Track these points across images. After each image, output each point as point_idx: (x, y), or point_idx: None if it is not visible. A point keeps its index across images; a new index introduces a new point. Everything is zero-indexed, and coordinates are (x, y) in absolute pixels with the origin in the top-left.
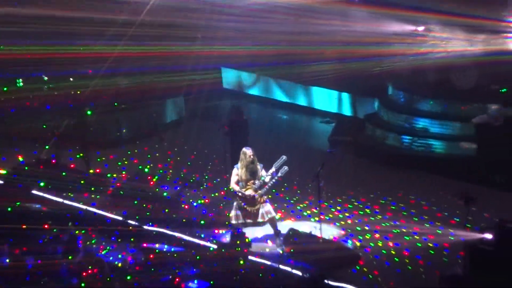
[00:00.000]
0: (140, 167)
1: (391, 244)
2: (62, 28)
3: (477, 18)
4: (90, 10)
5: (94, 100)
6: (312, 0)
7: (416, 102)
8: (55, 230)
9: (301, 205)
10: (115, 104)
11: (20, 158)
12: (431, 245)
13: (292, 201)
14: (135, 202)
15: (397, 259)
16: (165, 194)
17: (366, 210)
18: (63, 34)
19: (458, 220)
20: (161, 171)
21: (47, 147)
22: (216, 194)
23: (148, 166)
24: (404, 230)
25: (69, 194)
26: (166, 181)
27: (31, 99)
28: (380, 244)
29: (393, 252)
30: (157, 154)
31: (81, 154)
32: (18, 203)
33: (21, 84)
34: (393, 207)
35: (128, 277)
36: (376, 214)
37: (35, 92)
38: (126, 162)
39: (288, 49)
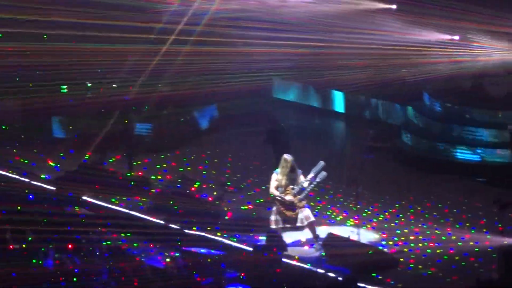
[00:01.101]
0: (181, 169)
1: (427, 248)
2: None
3: None
4: (131, 16)
5: (137, 106)
6: (348, 10)
7: (451, 109)
8: (99, 233)
9: (339, 210)
10: (157, 109)
11: (69, 164)
12: (466, 249)
13: (330, 206)
14: (176, 206)
15: (432, 263)
16: (206, 199)
17: (402, 214)
18: (105, 39)
19: (493, 225)
20: (204, 172)
21: (88, 154)
22: (261, 200)
23: (189, 169)
24: (440, 235)
25: (113, 198)
26: (207, 186)
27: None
28: (416, 248)
29: (429, 257)
30: (200, 159)
31: (126, 160)
32: (67, 208)
33: (65, 90)
34: (429, 212)
35: (170, 281)
36: (412, 219)
37: (79, 98)
38: (168, 167)
39: (325, 57)
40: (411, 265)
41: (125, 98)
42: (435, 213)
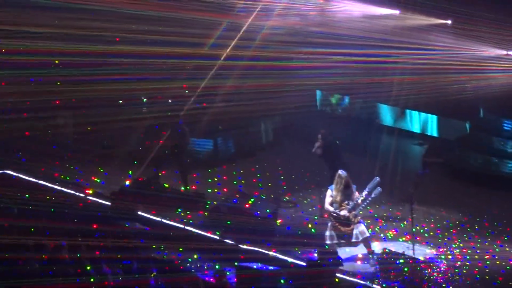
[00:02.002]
0: (234, 182)
1: (483, 263)
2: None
3: None
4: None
5: (191, 121)
6: (403, 25)
7: (507, 125)
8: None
9: (394, 225)
10: (213, 125)
11: (124, 179)
12: None
13: (385, 221)
14: (229, 222)
15: (488, 277)
16: (260, 214)
17: (458, 230)
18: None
19: None
20: (259, 185)
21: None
22: (315, 217)
23: (243, 182)
24: (497, 251)
25: (167, 213)
26: (262, 201)
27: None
28: (472, 263)
29: (486, 271)
30: (253, 174)
31: (179, 176)
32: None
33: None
34: (486, 228)
35: None
36: (468, 234)
37: (134, 114)
38: (222, 181)
39: (380, 74)
40: (468, 281)
41: (180, 122)
42: (491, 228)
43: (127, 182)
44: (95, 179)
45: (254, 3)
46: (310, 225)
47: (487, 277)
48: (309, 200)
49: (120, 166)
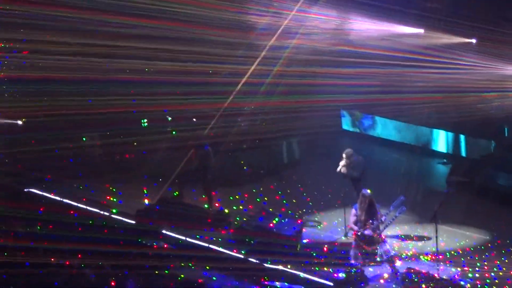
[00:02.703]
0: (257, 199)
1: (509, 282)
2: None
3: None
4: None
5: (215, 140)
6: (428, 44)
7: None
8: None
9: (419, 244)
10: (236, 144)
11: (148, 198)
12: None
13: (409, 240)
14: (252, 241)
15: None
16: (284, 232)
17: (483, 251)
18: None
19: None
20: (284, 201)
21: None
22: (342, 238)
23: (265, 198)
24: None
25: (192, 232)
26: (287, 220)
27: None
28: (496, 284)
29: None
30: (276, 192)
31: (204, 194)
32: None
33: (146, 124)
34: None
35: None
36: (493, 253)
37: (159, 133)
38: (243, 199)
39: (404, 92)
40: None
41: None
42: None
43: (151, 201)
44: (119, 198)
45: (278, 21)
46: (335, 244)
47: None
48: (333, 219)
49: (144, 184)
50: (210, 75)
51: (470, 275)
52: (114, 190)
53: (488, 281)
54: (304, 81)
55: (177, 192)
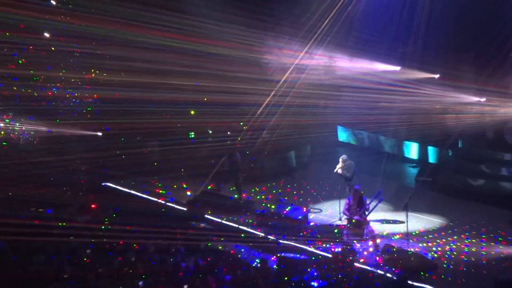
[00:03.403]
0: (274, 191)
1: (461, 255)
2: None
3: None
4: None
5: (244, 149)
6: (405, 78)
7: (478, 152)
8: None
9: (394, 226)
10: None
11: (195, 191)
12: (489, 258)
13: (386, 223)
14: (270, 223)
15: (464, 267)
16: (294, 217)
17: (441, 231)
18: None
19: (509, 240)
20: (294, 192)
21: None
22: (339, 221)
23: (280, 190)
24: (470, 245)
25: (226, 216)
26: (295, 207)
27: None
28: (451, 254)
29: (462, 261)
30: (289, 187)
31: (233, 188)
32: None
33: (192, 135)
34: (462, 230)
35: (267, 278)
36: (449, 233)
37: (202, 142)
38: (266, 193)
39: (385, 114)
40: (450, 267)
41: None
42: (467, 229)
43: (196, 193)
44: (174, 190)
45: (290, 61)
46: (332, 226)
47: (461, 264)
48: (331, 207)
49: (192, 181)
50: (240, 101)
51: (432, 249)
52: (168, 184)
53: (445, 253)
54: (310, 104)
55: (210, 186)
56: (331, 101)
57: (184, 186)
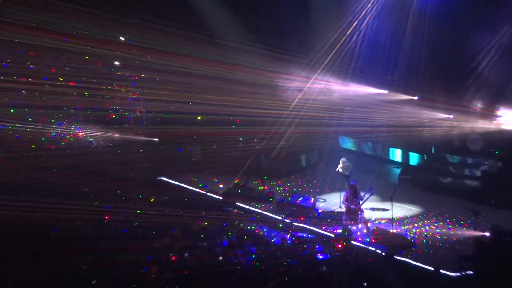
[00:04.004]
0: (288, 184)
1: (432, 236)
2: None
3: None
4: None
5: (266, 152)
6: (389, 100)
7: (445, 156)
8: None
9: (381, 213)
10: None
11: (228, 184)
12: (453, 238)
13: (376, 211)
14: (287, 210)
15: (433, 247)
16: (305, 205)
17: (417, 217)
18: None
19: (469, 224)
20: (304, 185)
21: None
22: (339, 209)
23: (293, 183)
24: (440, 228)
25: (253, 203)
26: (306, 198)
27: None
28: (425, 234)
29: (434, 240)
30: (300, 182)
31: (258, 182)
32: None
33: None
34: (432, 216)
35: (284, 252)
36: (424, 218)
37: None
38: (283, 186)
39: (374, 126)
40: (422, 241)
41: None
42: (438, 215)
43: (229, 185)
44: (214, 184)
45: (304, 85)
46: (334, 212)
47: (433, 242)
48: (333, 198)
49: (227, 176)
50: (264, 115)
51: (411, 230)
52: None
53: (420, 234)
54: (317, 118)
55: (236, 181)
56: (334, 116)
57: (219, 180)
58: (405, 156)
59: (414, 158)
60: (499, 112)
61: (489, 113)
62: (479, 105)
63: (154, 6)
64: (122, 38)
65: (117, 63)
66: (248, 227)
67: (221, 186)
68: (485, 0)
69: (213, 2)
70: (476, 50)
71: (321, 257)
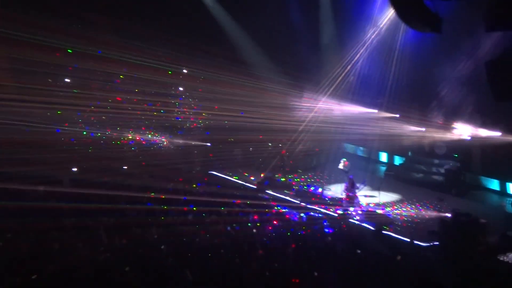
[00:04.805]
0: (303, 177)
1: (408, 216)
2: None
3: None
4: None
5: (288, 154)
6: (378, 117)
7: (419, 158)
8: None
9: (372, 199)
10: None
11: (260, 176)
12: (424, 218)
13: (367, 198)
14: (303, 197)
15: (409, 224)
16: (316, 193)
17: (399, 203)
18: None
19: (435, 207)
20: (315, 177)
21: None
22: (341, 196)
23: (305, 176)
24: (413, 210)
25: (278, 191)
26: (317, 187)
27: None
28: (405, 216)
29: (407, 221)
30: (311, 176)
31: (281, 175)
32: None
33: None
34: (412, 203)
35: (300, 225)
36: (402, 204)
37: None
38: (300, 178)
39: (367, 135)
40: (402, 222)
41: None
42: (413, 202)
43: (261, 178)
44: (251, 177)
45: (315, 105)
46: (337, 198)
47: (409, 221)
48: (336, 188)
49: (260, 171)
50: (286, 126)
51: (393, 212)
52: (246, 174)
53: (400, 215)
54: (325, 129)
55: (262, 174)
56: (338, 128)
57: (249, 174)
58: (390, 158)
59: (396, 159)
60: (457, 125)
61: (450, 126)
62: (443, 120)
63: (211, 45)
64: (185, 71)
65: (181, 88)
66: (276, 209)
67: (252, 178)
68: (447, 43)
69: (252, 43)
70: (440, 79)
71: (327, 230)
